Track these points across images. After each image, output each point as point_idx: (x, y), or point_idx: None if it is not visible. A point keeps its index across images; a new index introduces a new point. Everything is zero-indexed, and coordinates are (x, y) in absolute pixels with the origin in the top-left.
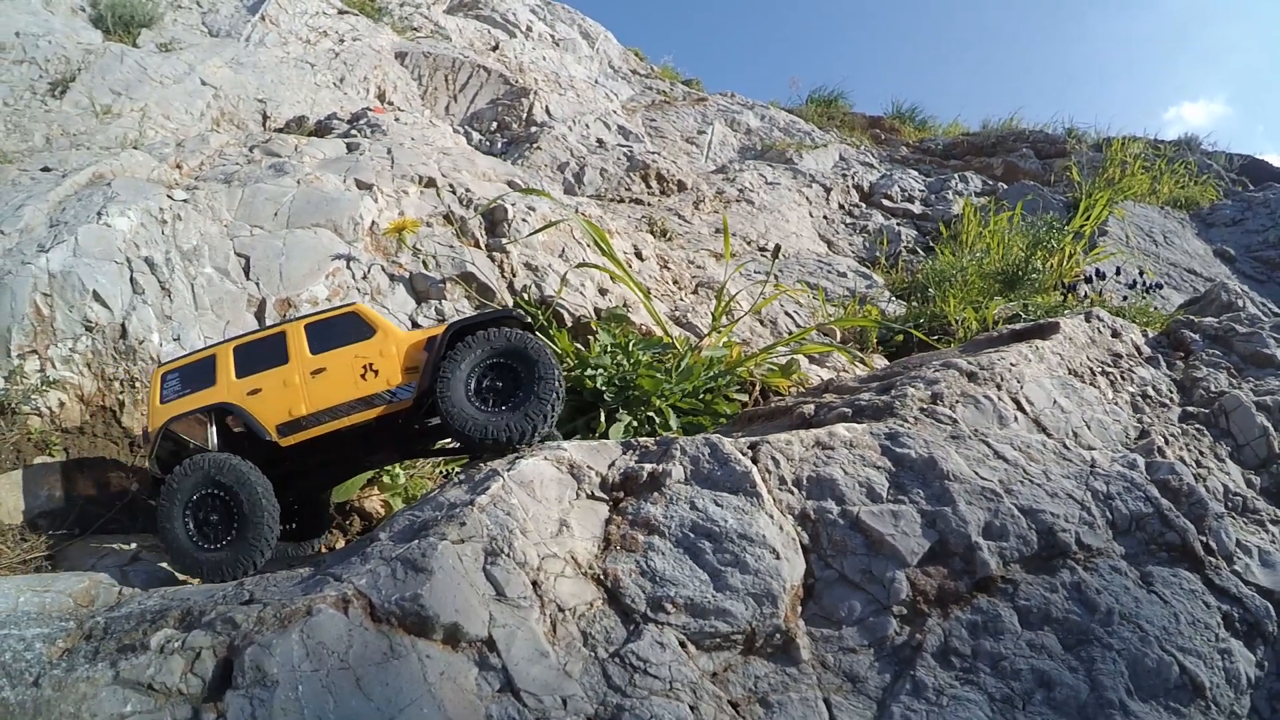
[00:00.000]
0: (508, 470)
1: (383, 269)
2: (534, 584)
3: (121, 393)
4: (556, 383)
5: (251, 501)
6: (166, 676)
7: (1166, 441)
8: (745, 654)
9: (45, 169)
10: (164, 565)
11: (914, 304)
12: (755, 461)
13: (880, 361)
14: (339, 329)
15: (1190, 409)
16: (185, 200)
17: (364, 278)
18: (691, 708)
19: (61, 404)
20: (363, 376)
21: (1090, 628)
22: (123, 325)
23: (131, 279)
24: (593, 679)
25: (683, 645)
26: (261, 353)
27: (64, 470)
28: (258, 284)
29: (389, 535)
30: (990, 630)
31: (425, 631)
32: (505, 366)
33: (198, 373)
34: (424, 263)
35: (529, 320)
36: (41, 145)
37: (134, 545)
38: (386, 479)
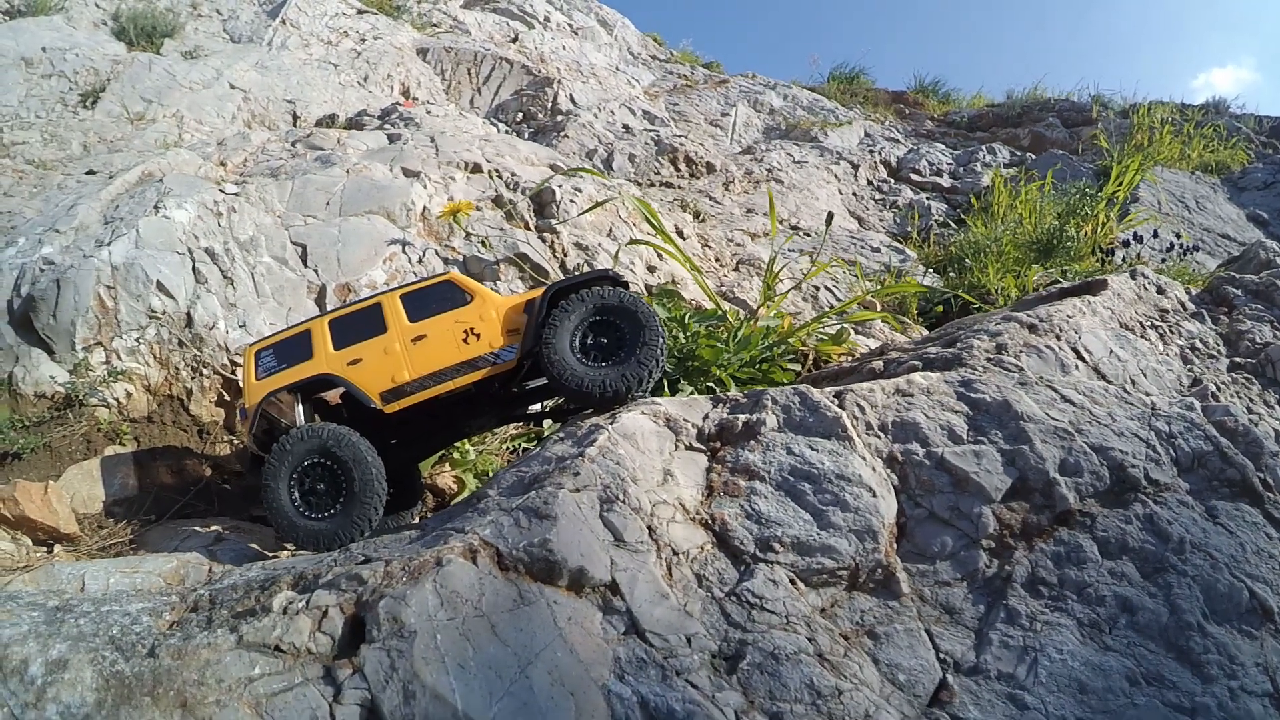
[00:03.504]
0: (610, 424)
1: (436, 253)
2: (649, 529)
3: (190, 380)
4: (661, 332)
5: (364, 480)
6: (294, 636)
7: (1218, 388)
8: (849, 589)
9: (90, 172)
10: (252, 545)
11: (950, 275)
12: (842, 408)
13: (923, 333)
14: (436, 297)
15: (1237, 360)
16: (236, 194)
17: (419, 261)
18: (809, 639)
19: (129, 394)
20: (464, 340)
21: (1165, 556)
22: (188, 314)
23: (194, 268)
24: (712, 618)
25: (792, 582)
26: (358, 324)
27: (136, 459)
28: (316, 271)
29: (498, 491)
30: (1073, 560)
31: (551, 578)
32: (608, 323)
33: (293, 348)
34: (481, 243)
35: (625, 279)
36: (80, 153)
37: (215, 528)
38: (457, 455)
